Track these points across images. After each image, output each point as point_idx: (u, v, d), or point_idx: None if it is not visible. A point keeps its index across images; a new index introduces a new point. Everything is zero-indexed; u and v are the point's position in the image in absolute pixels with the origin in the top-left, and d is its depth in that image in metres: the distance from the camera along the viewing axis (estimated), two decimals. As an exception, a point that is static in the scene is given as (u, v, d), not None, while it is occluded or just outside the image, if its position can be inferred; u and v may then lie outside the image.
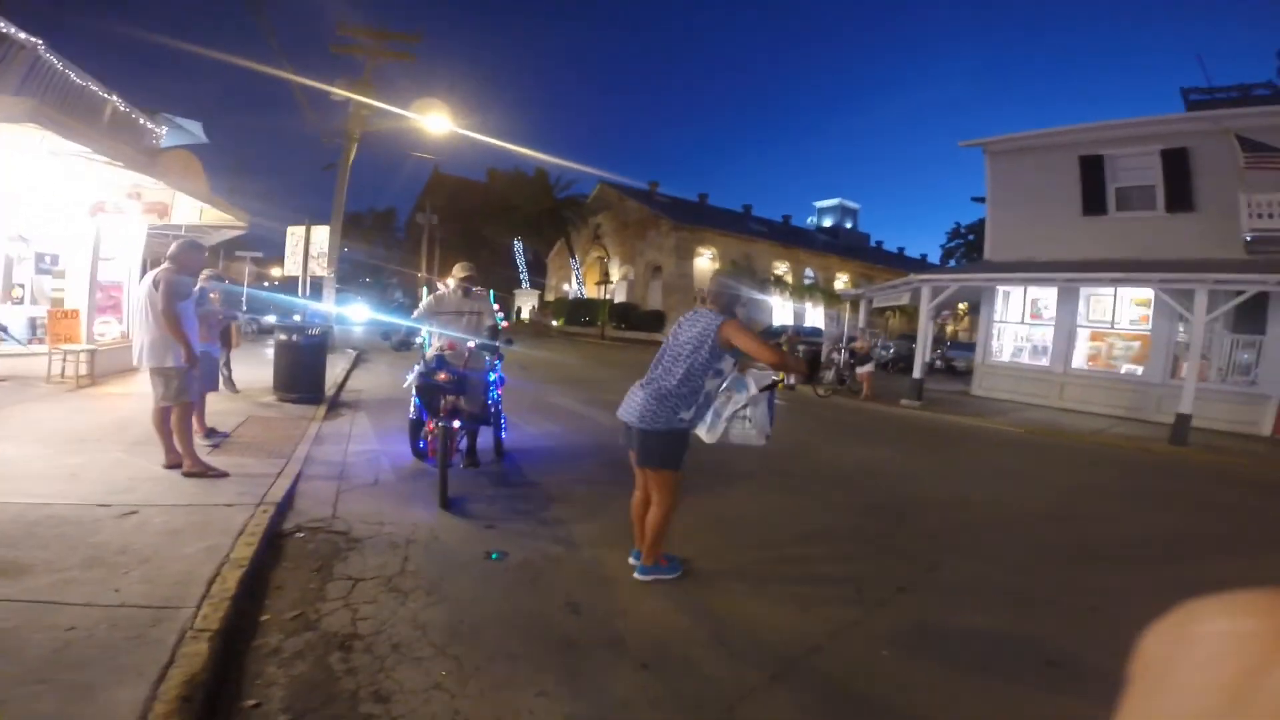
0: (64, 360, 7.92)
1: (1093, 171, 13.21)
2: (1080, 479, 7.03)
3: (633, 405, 3.33)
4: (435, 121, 16.16)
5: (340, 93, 15.90)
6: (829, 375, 14.07)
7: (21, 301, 9.12)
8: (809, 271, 36.00)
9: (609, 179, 33.36)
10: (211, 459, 4.90)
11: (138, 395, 7.52)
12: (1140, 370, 12.31)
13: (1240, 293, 9.53)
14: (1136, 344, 12.58)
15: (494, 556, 3.65)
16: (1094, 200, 13.21)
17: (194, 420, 5.56)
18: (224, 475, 4.58)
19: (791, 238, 37.87)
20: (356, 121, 17.01)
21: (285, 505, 4.20)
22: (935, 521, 4.95)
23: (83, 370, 7.95)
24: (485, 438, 5.74)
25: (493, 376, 5.40)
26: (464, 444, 5.37)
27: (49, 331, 8.26)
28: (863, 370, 12.85)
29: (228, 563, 3.09)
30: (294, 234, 9.33)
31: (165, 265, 4.68)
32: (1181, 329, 11.37)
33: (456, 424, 4.50)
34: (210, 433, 5.72)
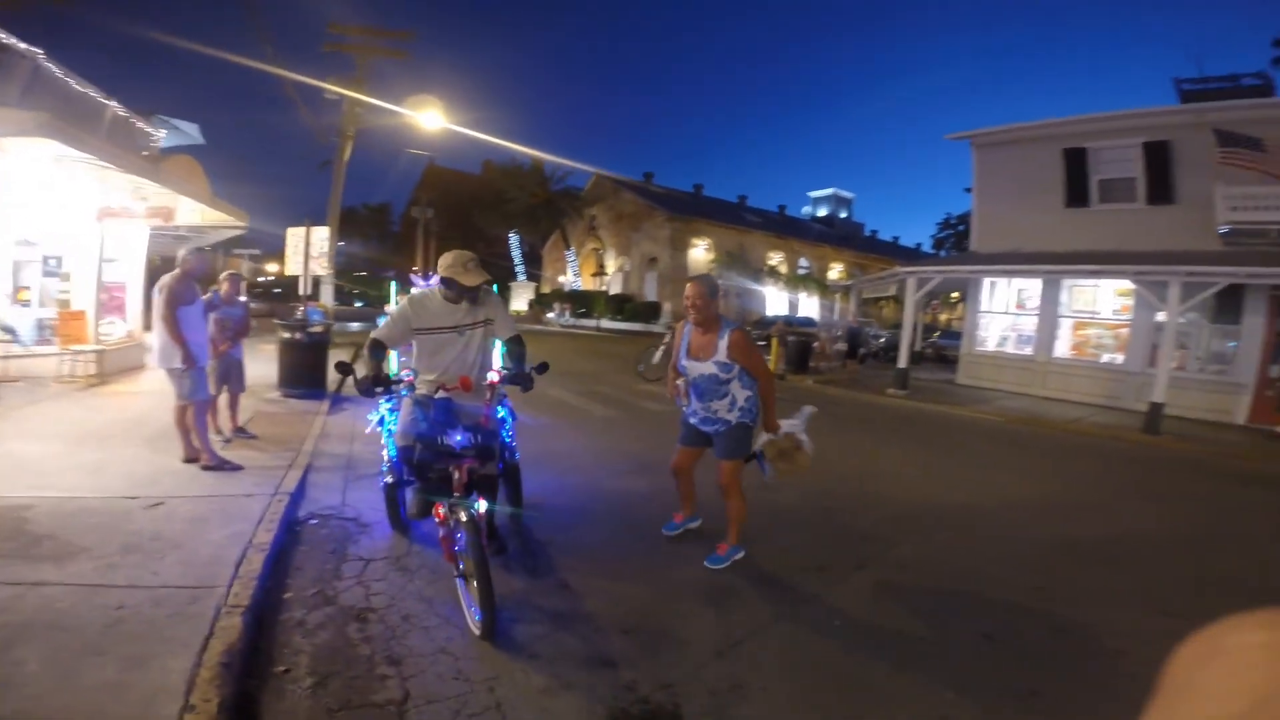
0: (73, 360, 8.21)
1: (1076, 164, 13.48)
2: (1045, 467, 7.35)
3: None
4: (429, 118, 16.39)
5: (334, 89, 16.08)
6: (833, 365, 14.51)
7: (29, 304, 9.38)
8: (803, 262, 36.28)
9: (604, 173, 33.45)
10: (226, 453, 5.22)
11: (146, 393, 7.82)
12: (1121, 359, 12.64)
13: (1213, 284, 9.84)
14: (1118, 333, 12.92)
15: None
16: (1077, 192, 13.49)
17: (225, 417, 5.92)
18: (239, 469, 4.91)
19: (786, 228, 38.12)
20: (351, 119, 17.17)
21: (299, 495, 4.52)
22: (898, 507, 5.29)
23: (91, 370, 8.24)
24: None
25: (501, 412, 4.02)
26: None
27: (58, 333, 8.53)
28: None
29: (251, 547, 3.41)
30: (294, 235, 9.57)
31: (173, 272, 4.99)
32: (1160, 318, 11.70)
33: (484, 505, 3.00)
34: (239, 431, 6.02)
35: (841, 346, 15.54)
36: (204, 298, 5.49)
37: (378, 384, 3.18)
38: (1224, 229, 11.17)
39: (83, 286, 9.22)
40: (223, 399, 5.92)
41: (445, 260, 3.36)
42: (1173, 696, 0.36)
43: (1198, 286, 10.06)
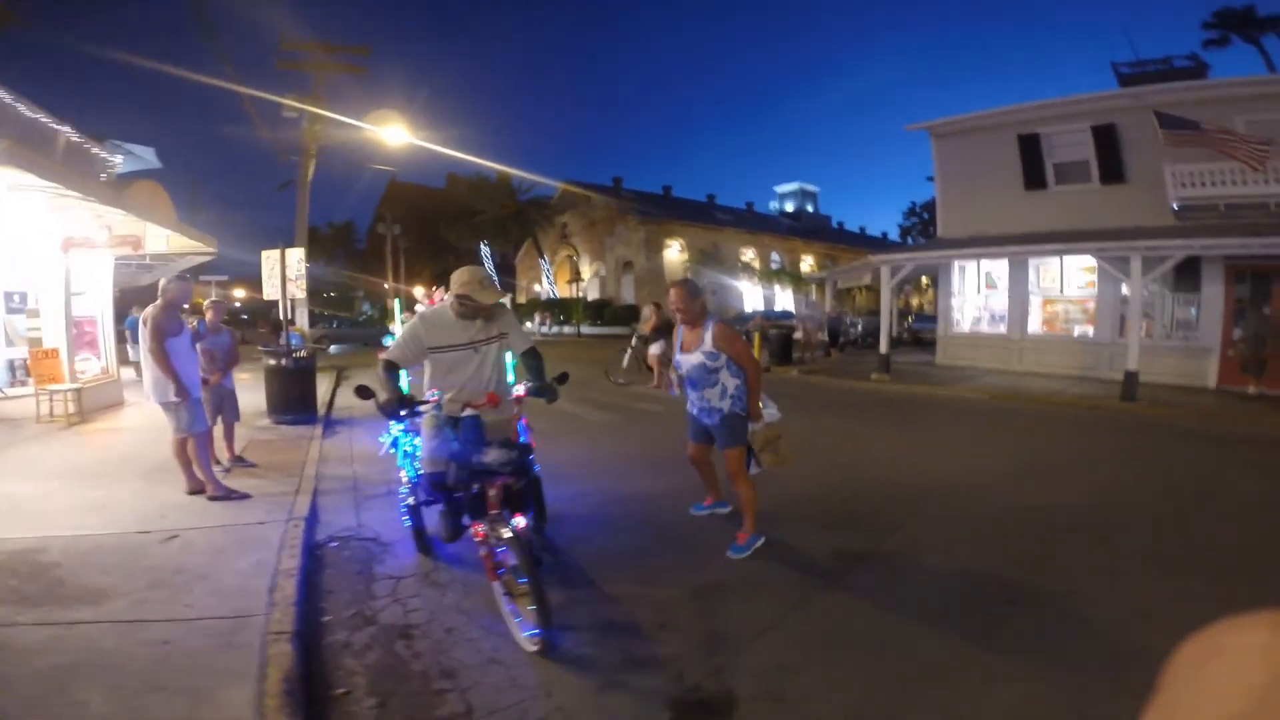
0: (51, 400, 7.95)
1: (1031, 149, 13.97)
2: (1035, 440, 7.62)
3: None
4: (392, 132, 16.24)
5: (293, 105, 15.82)
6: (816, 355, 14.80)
7: (-3, 344, 9.05)
8: (775, 256, 36.76)
9: (571, 186, 33.41)
10: (229, 482, 5.13)
11: (132, 429, 7.62)
12: (1091, 331, 13.14)
13: (1170, 257, 10.31)
14: (1086, 307, 13.42)
15: None
16: (1034, 175, 13.98)
17: (222, 447, 5.80)
18: (247, 497, 4.82)
19: (756, 224, 38.60)
20: (311, 136, 16.93)
21: (313, 519, 4.47)
22: (900, 489, 5.44)
23: (71, 409, 7.98)
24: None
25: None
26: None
27: (33, 372, 8.25)
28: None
29: (279, 573, 3.38)
30: (269, 258, 9.37)
31: (154, 303, 4.86)
32: (1125, 290, 12.18)
33: (522, 520, 2.95)
34: (238, 460, 5.91)
35: (823, 337, 15.81)
36: (190, 327, 5.39)
37: (403, 405, 3.09)
38: (1176, 204, 11.70)
39: (53, 322, 8.93)
40: (218, 429, 5.80)
41: (460, 277, 3.32)
42: (1172, 697, 0.37)
43: (1157, 260, 10.53)
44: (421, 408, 3.29)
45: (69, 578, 3.26)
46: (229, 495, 4.78)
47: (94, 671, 2.38)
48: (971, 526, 4.50)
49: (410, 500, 3.84)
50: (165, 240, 10.45)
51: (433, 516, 3.64)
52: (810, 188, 46.52)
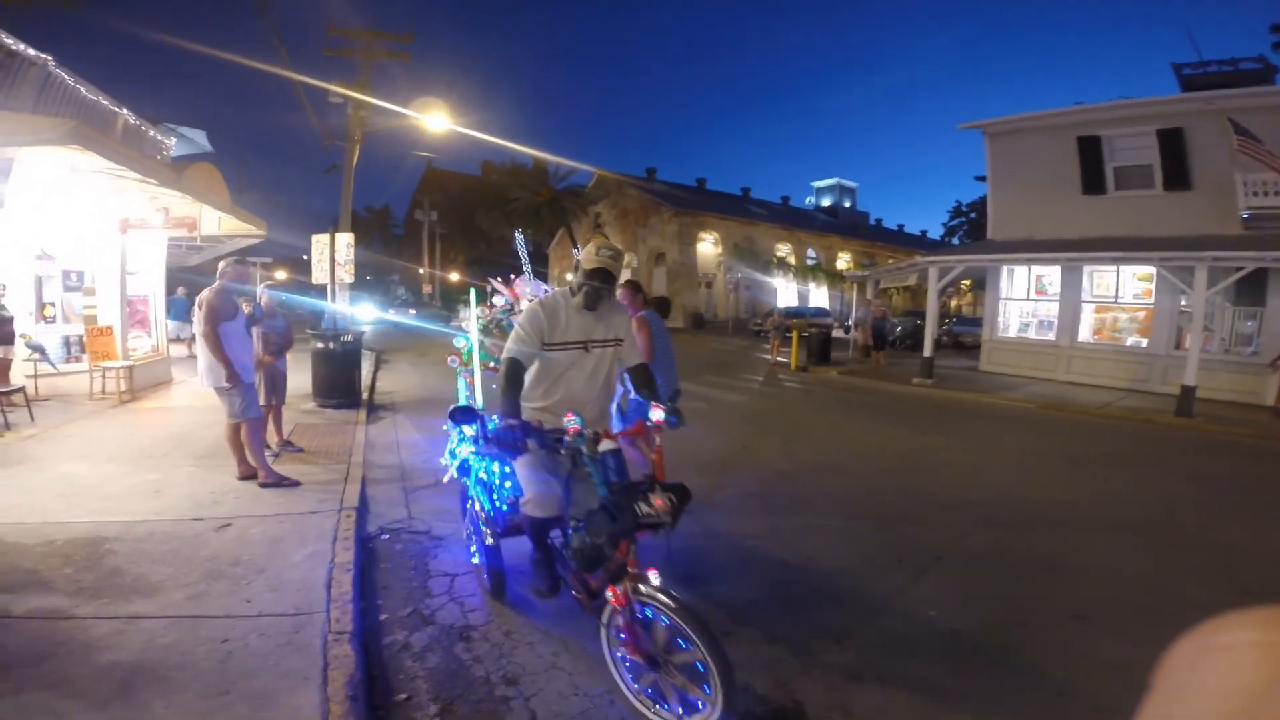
0: (104, 377, 8.16)
1: (1091, 151, 13.40)
2: (1085, 454, 7.30)
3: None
4: (434, 120, 16.30)
5: (340, 91, 15.97)
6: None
7: (54, 320, 9.31)
8: (811, 252, 36.16)
9: (607, 172, 33.24)
10: (277, 467, 5.17)
11: (183, 409, 7.78)
12: (1145, 342, 12.60)
13: (1239, 269, 9.79)
14: (1140, 316, 12.88)
15: None
16: (1093, 179, 13.42)
17: (270, 430, 5.86)
18: (296, 484, 4.85)
19: (792, 219, 37.97)
20: (356, 123, 17.11)
21: (363, 509, 4.47)
22: (955, 499, 5.25)
23: (123, 386, 8.19)
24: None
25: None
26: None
27: (88, 349, 8.47)
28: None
29: (335, 567, 3.37)
30: (319, 242, 9.47)
31: (212, 285, 4.89)
32: (1184, 301, 11.63)
33: (656, 576, 2.33)
34: (286, 444, 5.97)
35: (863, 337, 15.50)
36: (245, 311, 5.43)
37: (529, 433, 2.35)
38: (1245, 214, 11.12)
39: (108, 301, 9.16)
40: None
41: (589, 251, 2.72)
42: (1166, 696, 0.37)
43: (1222, 271, 10.02)
44: (564, 438, 2.38)
45: (126, 566, 3.29)
46: (280, 482, 4.81)
47: (158, 671, 2.37)
48: (1032, 540, 4.30)
49: (489, 538, 3.14)
50: (217, 222, 10.65)
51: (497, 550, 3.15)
52: (848, 183, 45.56)
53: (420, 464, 5.74)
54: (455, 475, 3.52)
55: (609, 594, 2.33)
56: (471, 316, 3.53)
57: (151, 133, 12.73)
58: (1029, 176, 14.29)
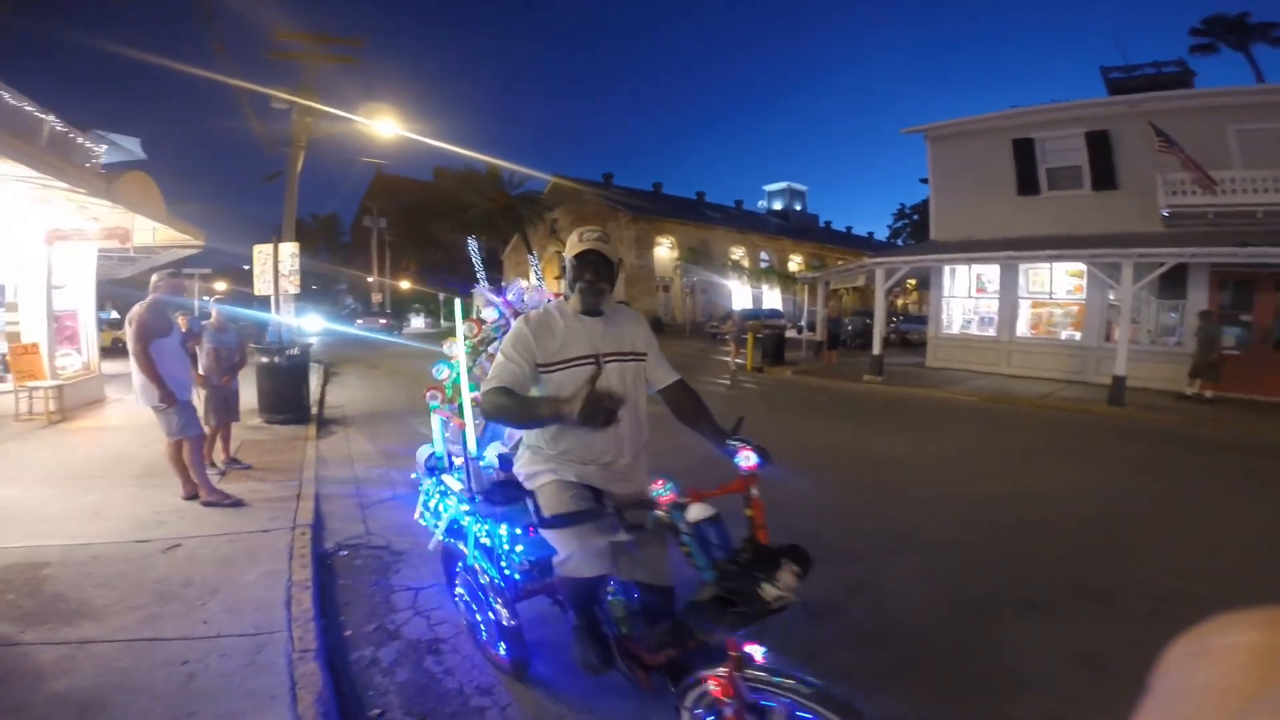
0: (30, 397, 7.68)
1: (1025, 153, 14.12)
2: (1029, 445, 7.66)
3: None
4: (383, 125, 15.95)
5: (284, 97, 15.49)
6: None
7: (-28, 338, 8.71)
8: (764, 255, 36.84)
9: (563, 178, 33.10)
10: (223, 485, 4.97)
11: (118, 428, 7.39)
12: (1078, 336, 13.32)
13: (1162, 264, 10.47)
14: (1073, 311, 13.60)
15: None
16: (1027, 181, 14.13)
17: (217, 448, 5.62)
18: (240, 503, 4.64)
19: (745, 222, 38.64)
20: (301, 129, 16.58)
21: (318, 526, 4.34)
22: (911, 491, 5.45)
23: (52, 406, 7.72)
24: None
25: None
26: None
27: (11, 368, 7.95)
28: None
29: (294, 584, 3.27)
30: (261, 252, 9.14)
31: (143, 300, 4.58)
32: (1112, 296, 12.34)
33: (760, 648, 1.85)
34: (233, 461, 5.73)
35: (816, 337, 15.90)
36: (182, 327, 5.20)
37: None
38: (1166, 212, 11.90)
39: (33, 316, 8.62)
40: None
41: (572, 239, 2.16)
42: (1163, 697, 0.36)
43: (1147, 266, 10.69)
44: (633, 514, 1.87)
45: (70, 591, 3.12)
46: (221, 501, 4.61)
47: (116, 695, 2.26)
48: (991, 531, 4.50)
49: (507, 619, 2.47)
50: (152, 233, 10.16)
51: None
52: (799, 187, 46.64)
53: (376, 478, 5.61)
54: (442, 540, 2.92)
55: (710, 683, 1.85)
56: (459, 337, 2.81)
57: (80, 140, 12.06)
58: (968, 178, 14.94)
